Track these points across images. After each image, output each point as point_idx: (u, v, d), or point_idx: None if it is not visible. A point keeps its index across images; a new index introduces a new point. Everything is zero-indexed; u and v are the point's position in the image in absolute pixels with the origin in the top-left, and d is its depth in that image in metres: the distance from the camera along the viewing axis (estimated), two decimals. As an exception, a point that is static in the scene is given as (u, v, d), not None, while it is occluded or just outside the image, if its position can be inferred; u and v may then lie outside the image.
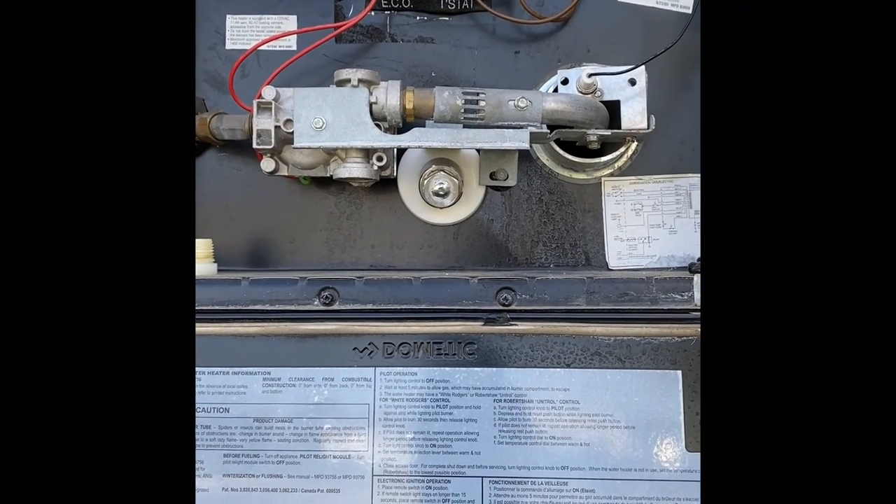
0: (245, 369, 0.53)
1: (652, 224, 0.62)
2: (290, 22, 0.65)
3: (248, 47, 0.63)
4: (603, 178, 0.63)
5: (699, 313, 0.52)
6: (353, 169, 0.55)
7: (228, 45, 0.65)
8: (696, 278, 0.52)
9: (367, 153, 0.56)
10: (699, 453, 0.50)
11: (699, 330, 0.51)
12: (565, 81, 0.58)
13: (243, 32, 0.65)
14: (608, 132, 0.57)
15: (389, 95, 0.54)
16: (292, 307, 0.53)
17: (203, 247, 0.56)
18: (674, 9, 0.63)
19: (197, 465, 0.52)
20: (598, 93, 0.58)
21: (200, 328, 0.52)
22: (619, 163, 0.63)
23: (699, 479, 0.50)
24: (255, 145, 0.56)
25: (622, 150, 0.61)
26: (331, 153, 0.58)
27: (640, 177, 0.63)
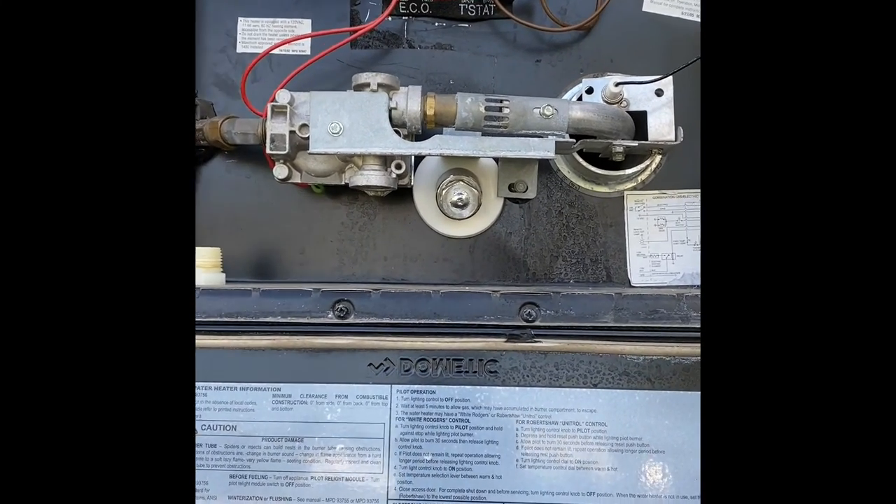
0: (254, 385, 0.50)
1: (676, 240, 0.60)
2: (304, 26, 0.63)
3: (260, 51, 0.60)
4: (626, 192, 0.61)
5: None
6: (371, 177, 0.53)
7: (240, 49, 0.63)
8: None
9: (386, 160, 0.54)
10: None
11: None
12: (590, 90, 0.56)
13: (255, 36, 0.63)
14: (635, 143, 0.55)
15: (410, 101, 0.52)
16: (305, 320, 0.50)
17: (211, 256, 0.54)
18: (698, 19, 0.62)
19: (201, 487, 0.49)
20: (624, 103, 0.56)
21: (208, 341, 0.49)
22: (643, 176, 0.61)
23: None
24: (268, 150, 0.53)
25: (646, 162, 0.59)
26: (346, 160, 0.56)
27: (663, 191, 0.61)
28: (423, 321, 0.50)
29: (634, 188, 0.61)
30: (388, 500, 0.49)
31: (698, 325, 0.49)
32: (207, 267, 0.53)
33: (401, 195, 0.60)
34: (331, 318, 0.51)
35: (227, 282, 0.55)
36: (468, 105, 0.52)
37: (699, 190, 0.60)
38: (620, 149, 0.55)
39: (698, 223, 0.60)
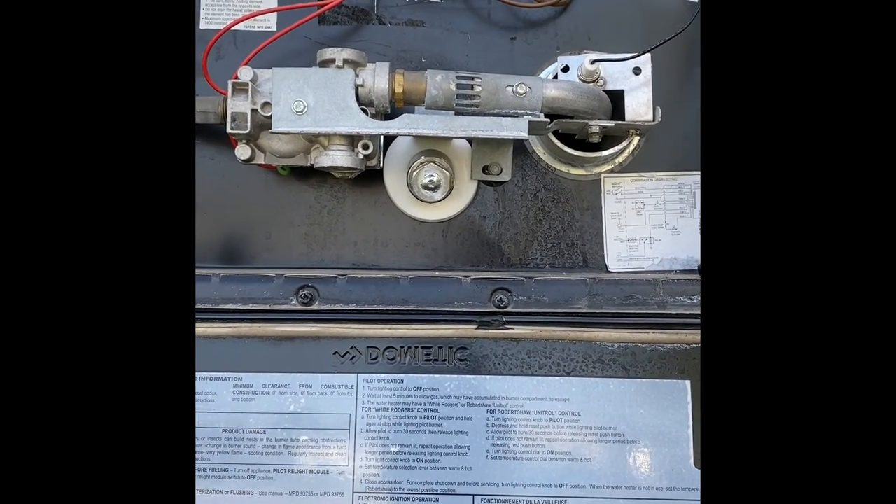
0: (214, 374, 0.48)
1: (654, 224, 0.59)
2: (271, 1, 0.60)
3: (224, 27, 0.58)
4: (603, 175, 0.59)
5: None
6: (337, 157, 0.51)
7: (203, 25, 0.61)
8: (707, 281, 0.49)
9: (352, 140, 0.52)
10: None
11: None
12: (566, 69, 0.54)
13: (219, 11, 0.61)
14: (611, 123, 0.53)
15: (377, 78, 0.50)
16: (267, 307, 0.49)
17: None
18: (679, -4, 0.60)
19: (158, 481, 0.47)
20: (601, 82, 0.54)
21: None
22: (620, 158, 0.59)
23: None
24: (229, 130, 0.51)
25: (624, 144, 0.57)
26: (312, 140, 0.53)
27: (641, 174, 0.59)
28: (390, 308, 0.49)
29: (612, 171, 0.59)
30: (353, 493, 0.47)
31: (675, 311, 0.48)
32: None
33: (371, 178, 0.58)
34: (294, 304, 0.49)
35: (187, 267, 0.53)
36: (438, 83, 0.50)
37: (678, 173, 0.59)
38: (597, 129, 0.53)
39: (677, 207, 0.59)
